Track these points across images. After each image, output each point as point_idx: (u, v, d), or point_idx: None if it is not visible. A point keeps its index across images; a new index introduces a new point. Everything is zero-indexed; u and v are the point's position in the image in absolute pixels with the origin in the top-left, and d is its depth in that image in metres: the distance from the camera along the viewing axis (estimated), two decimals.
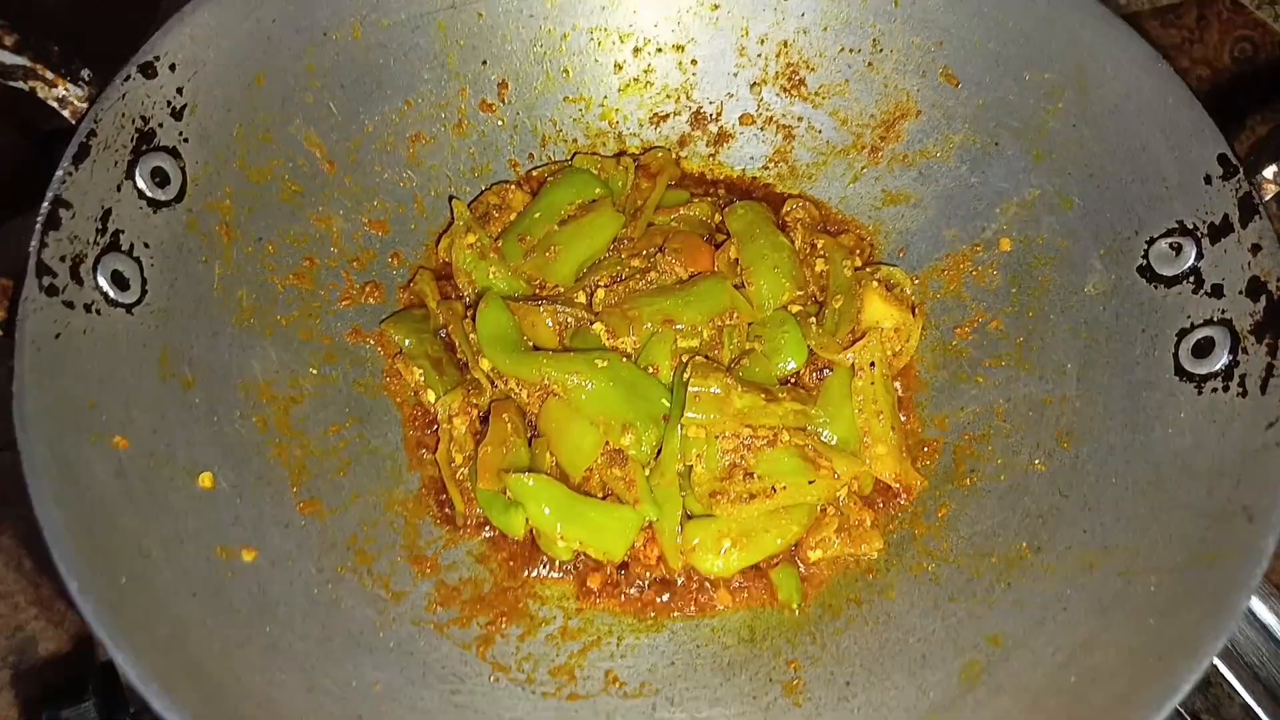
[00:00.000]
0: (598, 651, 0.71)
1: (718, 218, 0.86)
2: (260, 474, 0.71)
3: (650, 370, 0.77)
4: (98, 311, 0.66)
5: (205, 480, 0.68)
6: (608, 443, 0.75)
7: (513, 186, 0.88)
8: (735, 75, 0.88)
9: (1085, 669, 0.61)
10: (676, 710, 0.68)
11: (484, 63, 0.86)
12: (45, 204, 0.65)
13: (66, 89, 0.69)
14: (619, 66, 0.88)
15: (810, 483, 0.73)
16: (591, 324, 0.79)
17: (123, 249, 0.68)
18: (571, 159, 0.89)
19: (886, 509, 0.78)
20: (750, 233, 0.83)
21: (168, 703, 0.54)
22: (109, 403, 0.65)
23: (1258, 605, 0.66)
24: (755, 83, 0.88)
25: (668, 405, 0.76)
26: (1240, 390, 0.65)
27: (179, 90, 0.72)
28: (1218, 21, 1.04)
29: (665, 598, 0.74)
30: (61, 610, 0.96)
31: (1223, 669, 0.65)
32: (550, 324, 0.80)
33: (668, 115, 0.90)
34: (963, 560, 0.72)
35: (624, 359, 0.77)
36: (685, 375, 0.74)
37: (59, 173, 0.65)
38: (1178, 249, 0.71)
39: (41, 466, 0.59)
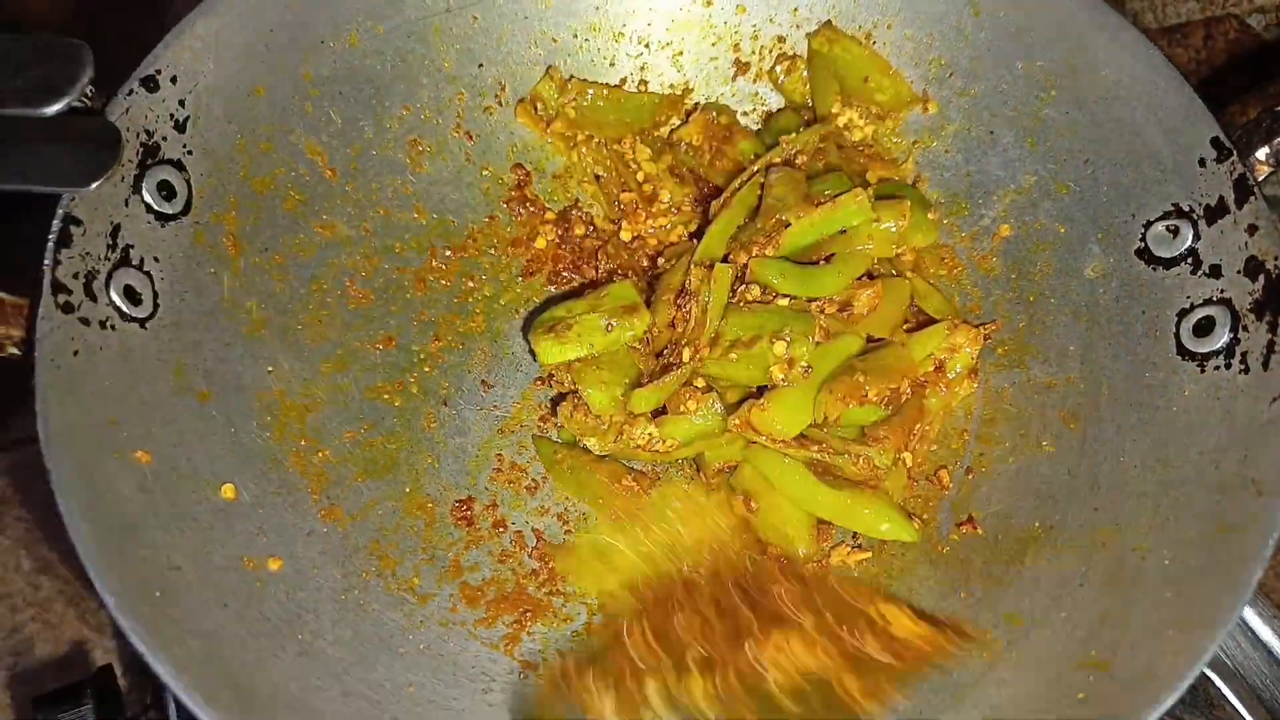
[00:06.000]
0: None
1: None
2: (280, 483, 0.72)
3: None
4: (112, 327, 0.66)
5: (228, 492, 0.68)
6: None
7: None
8: (730, 71, 0.89)
9: (1106, 644, 0.62)
10: None
11: (480, 66, 0.86)
12: (56, 221, 0.64)
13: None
14: (614, 65, 0.89)
15: None
16: None
17: (134, 264, 0.68)
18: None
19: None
20: None
21: (213, 715, 0.55)
22: (129, 418, 0.65)
23: (1260, 626, 0.67)
24: (751, 78, 0.89)
25: None
26: (1243, 367, 0.67)
27: (181, 103, 0.72)
28: (1224, 41, 1.06)
29: None
30: (60, 611, 0.96)
31: (1225, 691, 0.67)
32: None
33: None
34: (977, 542, 0.74)
35: None
36: None
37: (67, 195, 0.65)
38: (1175, 231, 0.72)
39: (69, 485, 0.59)
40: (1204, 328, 0.70)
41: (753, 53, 0.88)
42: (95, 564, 0.57)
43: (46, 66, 0.66)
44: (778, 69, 0.88)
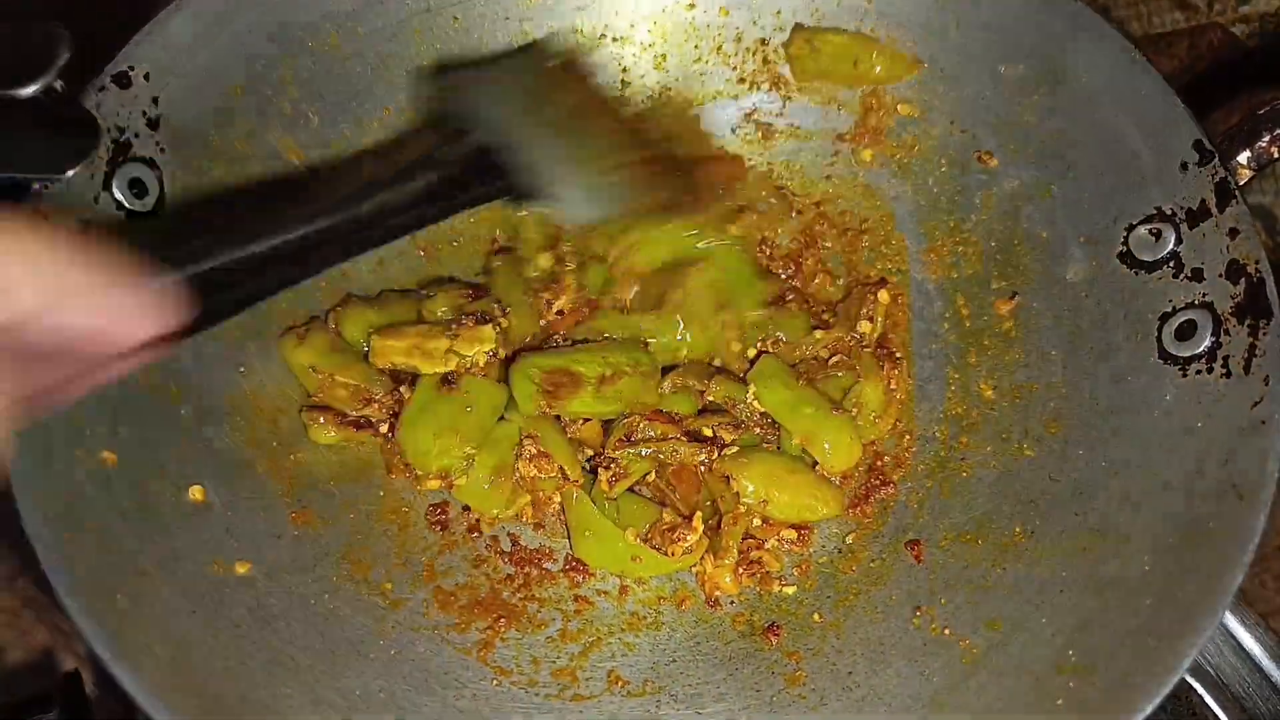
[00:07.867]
0: (599, 652, 0.71)
1: None
2: (251, 486, 0.71)
3: None
4: None
5: (196, 494, 0.67)
6: None
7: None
8: (713, 74, 0.89)
9: (1084, 650, 0.62)
10: (681, 707, 0.68)
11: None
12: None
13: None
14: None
15: None
16: None
17: None
18: None
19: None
20: None
21: None
22: (95, 418, 0.64)
23: (1242, 633, 0.68)
24: (733, 80, 0.88)
25: None
26: (1224, 371, 0.67)
27: (154, 100, 0.71)
28: (1208, 49, 1.06)
29: None
30: (30, 619, 0.94)
31: (1208, 700, 0.67)
32: None
33: None
34: (957, 548, 0.73)
35: None
36: None
37: (36, 186, 0.64)
38: (1157, 235, 0.72)
39: (32, 487, 0.58)
40: (1186, 331, 0.69)
41: (736, 54, 0.88)
42: (57, 569, 0.56)
43: (23, 49, 0.64)
44: (759, 74, 0.88)
